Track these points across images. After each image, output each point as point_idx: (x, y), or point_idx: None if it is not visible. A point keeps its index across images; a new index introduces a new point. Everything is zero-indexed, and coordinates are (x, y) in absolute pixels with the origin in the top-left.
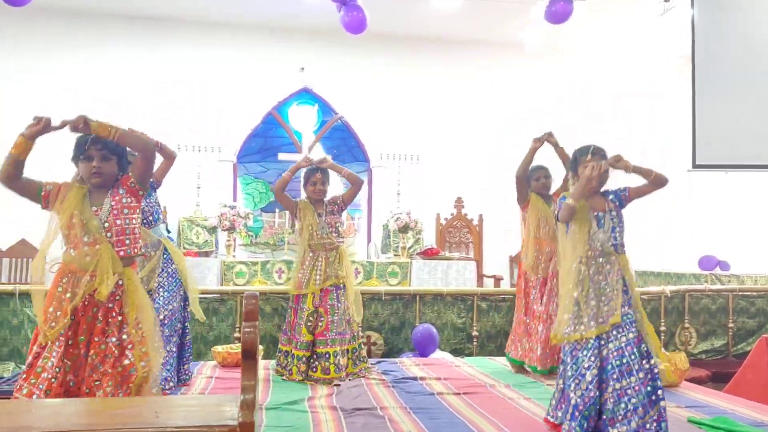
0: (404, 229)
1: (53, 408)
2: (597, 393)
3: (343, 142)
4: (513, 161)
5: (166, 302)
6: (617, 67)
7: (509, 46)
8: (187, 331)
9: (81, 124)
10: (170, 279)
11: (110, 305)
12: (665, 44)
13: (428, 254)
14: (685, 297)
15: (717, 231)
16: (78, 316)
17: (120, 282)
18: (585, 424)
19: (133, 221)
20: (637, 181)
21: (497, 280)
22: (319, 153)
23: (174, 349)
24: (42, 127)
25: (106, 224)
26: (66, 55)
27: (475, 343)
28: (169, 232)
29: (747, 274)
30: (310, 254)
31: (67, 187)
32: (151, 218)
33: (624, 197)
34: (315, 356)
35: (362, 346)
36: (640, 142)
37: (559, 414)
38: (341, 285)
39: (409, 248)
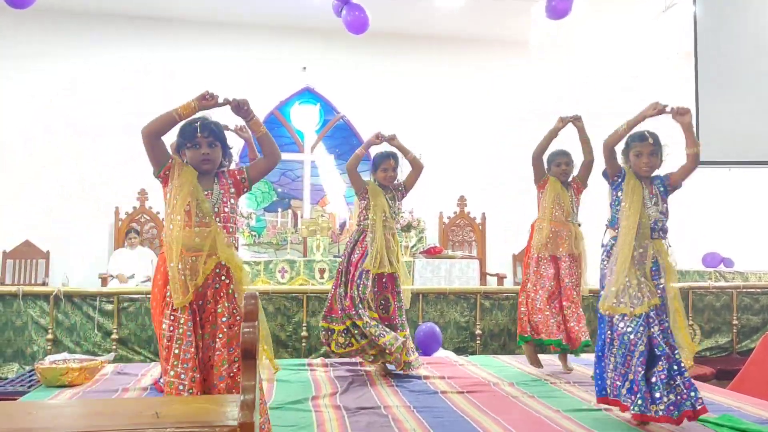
0: (407, 227)
1: (53, 409)
2: (644, 369)
3: (345, 141)
4: (516, 159)
5: None
6: (619, 65)
7: (511, 44)
8: None
9: (246, 107)
10: None
11: (219, 290)
12: (667, 42)
13: (431, 253)
14: (689, 294)
15: (721, 228)
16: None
17: (224, 276)
18: (643, 399)
19: (234, 211)
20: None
21: (500, 278)
22: (388, 131)
23: None
24: (213, 102)
25: (216, 209)
26: (65, 55)
27: (478, 342)
28: None
29: (751, 270)
30: (371, 235)
31: (181, 166)
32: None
33: (668, 184)
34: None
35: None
36: None
37: (617, 390)
38: (396, 274)
39: (412, 247)
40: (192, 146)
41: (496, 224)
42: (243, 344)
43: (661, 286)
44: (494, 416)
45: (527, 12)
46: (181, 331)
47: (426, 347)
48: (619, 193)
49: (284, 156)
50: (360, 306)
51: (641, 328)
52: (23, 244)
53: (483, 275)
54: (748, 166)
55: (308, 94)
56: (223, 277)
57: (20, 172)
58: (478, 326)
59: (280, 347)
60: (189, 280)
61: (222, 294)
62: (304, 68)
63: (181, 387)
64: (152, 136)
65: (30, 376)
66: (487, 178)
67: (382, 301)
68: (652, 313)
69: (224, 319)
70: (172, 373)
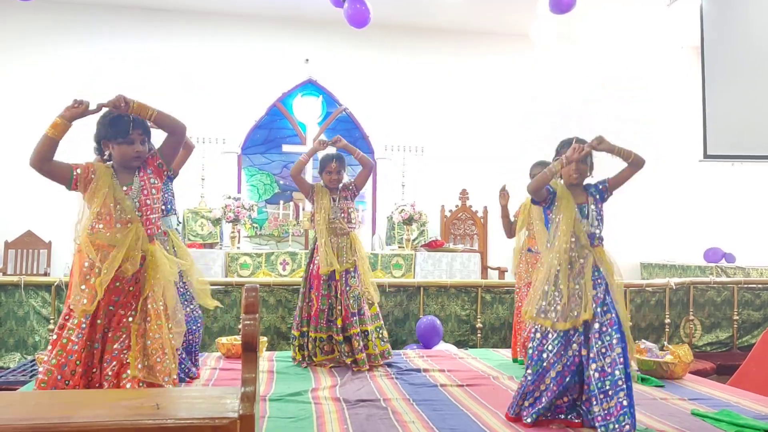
0: (409, 221)
1: (52, 399)
2: (559, 389)
3: (348, 134)
4: (518, 152)
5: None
6: (625, 58)
7: (515, 37)
8: (194, 328)
9: (122, 104)
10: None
11: (131, 288)
12: (674, 34)
13: (433, 246)
14: (690, 289)
15: (723, 223)
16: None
17: (141, 263)
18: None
19: (157, 201)
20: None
21: (502, 272)
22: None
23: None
24: (83, 109)
25: (137, 203)
26: (69, 44)
27: (479, 335)
28: (179, 224)
29: (753, 266)
30: (323, 239)
31: (92, 168)
32: (163, 208)
33: (605, 189)
34: (336, 340)
35: (383, 327)
36: (650, 133)
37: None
38: (353, 269)
39: (414, 240)
40: (124, 142)
41: (499, 218)
42: (243, 337)
43: (603, 288)
44: (493, 409)
45: (531, 4)
46: (75, 322)
47: (427, 340)
48: (552, 213)
49: (287, 148)
50: (320, 318)
51: (561, 347)
52: (25, 234)
53: (484, 269)
54: (756, 160)
55: (311, 86)
56: (137, 281)
57: (22, 162)
58: (478, 320)
59: (281, 339)
60: (103, 274)
61: (134, 297)
62: (307, 60)
63: (59, 377)
64: (41, 164)
65: (31, 366)
66: (489, 172)
67: (351, 300)
68: (574, 333)
69: (129, 319)
70: (53, 361)
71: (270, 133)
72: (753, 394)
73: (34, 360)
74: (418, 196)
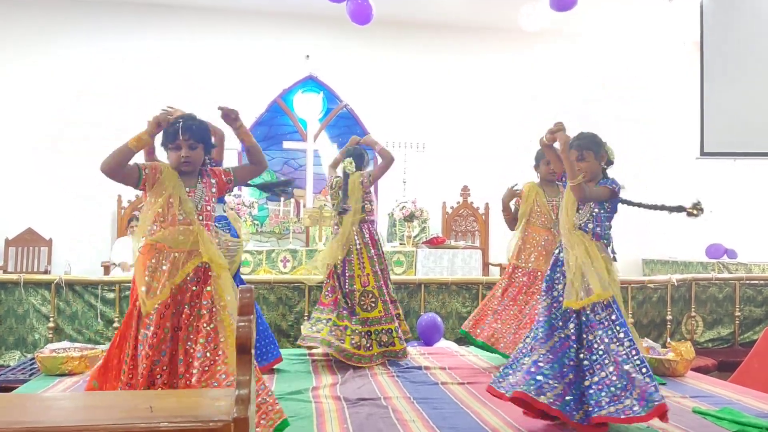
0: (410, 217)
1: (47, 402)
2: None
3: (349, 130)
4: (519, 149)
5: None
6: (625, 54)
7: (516, 32)
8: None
9: (233, 115)
10: None
11: (205, 288)
12: (675, 32)
13: (434, 243)
14: (692, 285)
15: (725, 219)
16: (172, 298)
17: (207, 271)
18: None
19: (213, 210)
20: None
21: (503, 268)
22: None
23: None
24: (168, 123)
25: (199, 207)
26: (69, 42)
27: None
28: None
29: (754, 262)
30: (337, 227)
31: (160, 168)
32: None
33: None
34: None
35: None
36: (651, 130)
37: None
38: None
39: (415, 237)
40: (173, 148)
41: (500, 214)
42: (238, 339)
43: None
44: (494, 408)
45: (533, 1)
46: (142, 322)
47: (427, 337)
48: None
49: (287, 145)
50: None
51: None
52: (26, 232)
53: (485, 265)
54: (753, 157)
55: (311, 83)
56: (199, 280)
57: (23, 160)
58: None
59: (282, 337)
60: (168, 278)
61: (198, 296)
62: (308, 56)
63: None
64: (114, 173)
65: (31, 365)
66: (490, 168)
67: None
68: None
69: (204, 317)
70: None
71: (270, 129)
72: (755, 392)
73: (33, 358)
74: (420, 192)
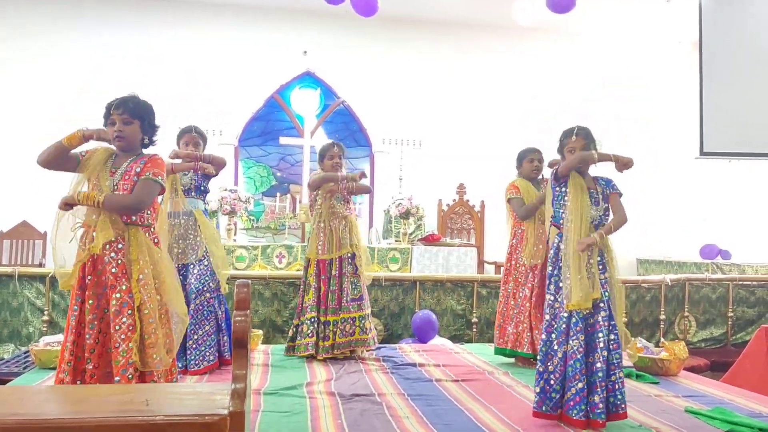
0: (406, 214)
1: (41, 396)
2: (564, 368)
3: (345, 127)
4: (516, 147)
5: (197, 278)
6: (624, 53)
7: (515, 30)
8: (219, 312)
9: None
10: (206, 255)
11: (113, 268)
12: (673, 30)
13: (429, 240)
14: (685, 286)
15: (719, 220)
16: (87, 276)
17: (120, 245)
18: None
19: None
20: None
21: (498, 266)
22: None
23: (210, 330)
24: (98, 138)
25: (116, 186)
26: (65, 36)
27: (474, 330)
28: (205, 211)
29: (748, 263)
30: (322, 224)
31: (94, 151)
32: (194, 189)
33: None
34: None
35: (368, 316)
36: (649, 130)
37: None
38: (352, 254)
39: (411, 234)
40: (110, 123)
41: (496, 212)
42: (234, 333)
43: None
44: (488, 405)
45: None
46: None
47: (422, 334)
48: (562, 189)
49: (284, 140)
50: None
51: (564, 329)
52: (20, 225)
53: (481, 263)
54: (752, 157)
55: (309, 79)
56: (119, 261)
57: (17, 152)
58: (474, 314)
59: (276, 332)
60: (76, 257)
61: (118, 279)
62: (305, 52)
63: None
64: (48, 165)
65: (25, 358)
66: (486, 166)
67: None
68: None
69: (114, 309)
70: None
71: (267, 125)
72: (747, 392)
73: (27, 351)
74: (416, 189)
